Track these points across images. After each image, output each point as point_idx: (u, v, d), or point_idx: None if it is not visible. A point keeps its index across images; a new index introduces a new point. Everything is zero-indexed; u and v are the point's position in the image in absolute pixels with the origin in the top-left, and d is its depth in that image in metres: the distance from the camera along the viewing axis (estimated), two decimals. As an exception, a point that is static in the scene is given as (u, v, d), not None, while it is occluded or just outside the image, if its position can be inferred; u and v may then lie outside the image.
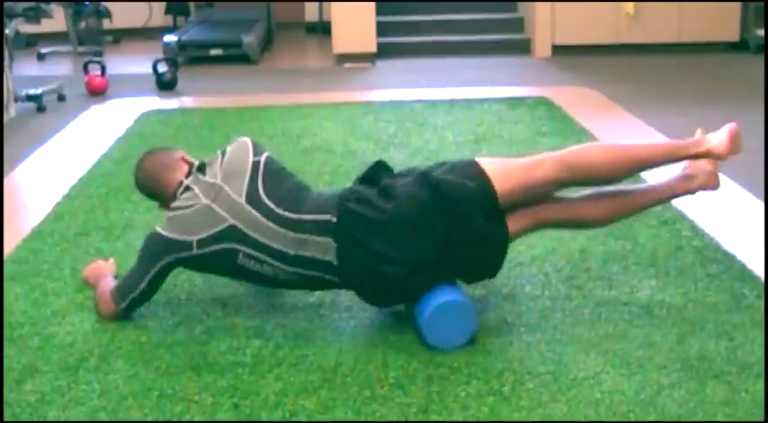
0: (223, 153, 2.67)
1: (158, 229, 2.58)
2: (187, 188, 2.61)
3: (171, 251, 2.53)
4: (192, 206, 2.55)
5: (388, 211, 2.43)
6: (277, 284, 2.59)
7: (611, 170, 2.55)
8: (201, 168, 2.66)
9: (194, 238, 2.50)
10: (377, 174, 2.62)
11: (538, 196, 2.55)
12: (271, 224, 2.47)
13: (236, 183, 2.55)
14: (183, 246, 2.52)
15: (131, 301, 2.59)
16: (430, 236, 2.42)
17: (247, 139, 2.70)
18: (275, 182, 2.57)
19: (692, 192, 2.71)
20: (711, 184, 2.69)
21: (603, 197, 2.66)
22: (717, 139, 2.60)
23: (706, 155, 2.61)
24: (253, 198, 2.51)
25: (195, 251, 2.51)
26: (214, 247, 2.49)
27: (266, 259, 2.47)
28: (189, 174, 2.67)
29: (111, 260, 2.97)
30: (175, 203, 2.60)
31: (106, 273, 2.84)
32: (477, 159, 2.56)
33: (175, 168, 2.72)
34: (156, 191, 2.76)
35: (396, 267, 2.42)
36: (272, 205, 2.50)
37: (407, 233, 2.42)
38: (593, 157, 2.55)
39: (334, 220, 2.46)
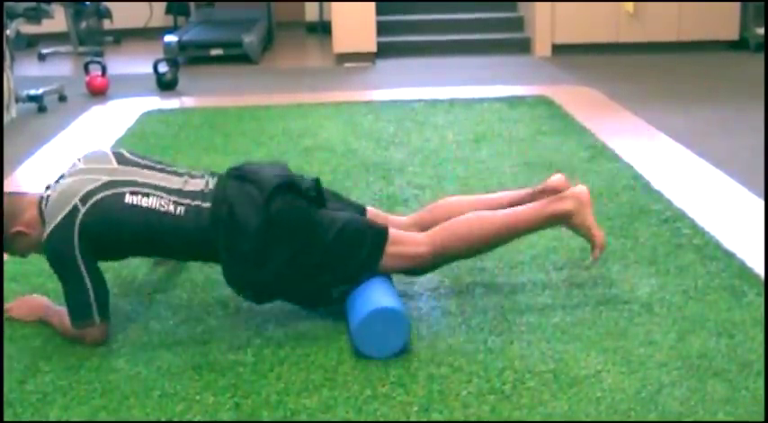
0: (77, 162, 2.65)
1: (44, 233, 2.47)
2: (49, 196, 2.54)
3: (69, 230, 2.43)
4: (59, 189, 2.52)
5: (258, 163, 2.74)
6: (167, 234, 2.48)
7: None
8: (59, 180, 2.62)
9: (75, 200, 2.46)
10: None
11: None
12: (148, 172, 2.58)
13: (102, 162, 2.59)
14: (71, 214, 2.44)
15: (98, 308, 2.46)
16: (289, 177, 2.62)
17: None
18: (144, 156, 2.67)
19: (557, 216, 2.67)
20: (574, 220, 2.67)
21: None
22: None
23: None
24: (126, 161, 2.60)
25: (83, 208, 2.44)
26: (98, 197, 2.46)
27: (152, 192, 2.50)
28: (47, 190, 2.61)
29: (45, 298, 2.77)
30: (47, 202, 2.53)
31: (47, 302, 2.69)
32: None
33: (25, 194, 2.69)
34: (19, 226, 2.56)
35: (262, 185, 2.51)
36: (150, 163, 2.63)
37: (274, 167, 2.66)
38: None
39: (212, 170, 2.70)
